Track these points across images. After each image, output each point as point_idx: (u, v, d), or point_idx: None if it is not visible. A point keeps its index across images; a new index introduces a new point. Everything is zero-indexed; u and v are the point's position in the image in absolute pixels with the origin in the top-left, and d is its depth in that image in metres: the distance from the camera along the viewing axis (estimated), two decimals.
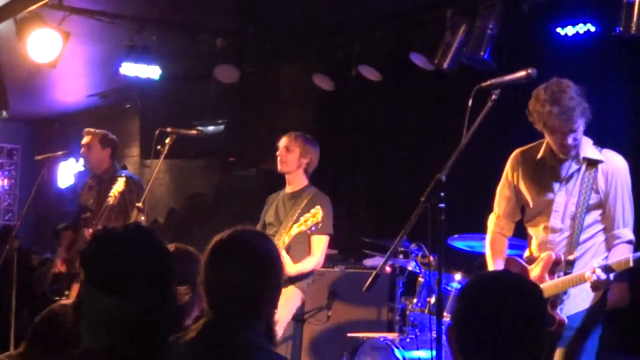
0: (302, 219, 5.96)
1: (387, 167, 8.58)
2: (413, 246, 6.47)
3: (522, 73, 4.13)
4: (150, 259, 2.34)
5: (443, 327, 3.68)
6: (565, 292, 4.61)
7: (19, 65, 8.52)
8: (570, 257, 4.62)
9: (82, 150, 7.61)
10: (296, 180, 6.42)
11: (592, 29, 6.60)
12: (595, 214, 4.67)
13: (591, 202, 4.62)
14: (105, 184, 7.31)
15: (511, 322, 2.35)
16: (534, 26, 7.03)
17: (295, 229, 5.96)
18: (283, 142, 6.41)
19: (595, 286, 4.43)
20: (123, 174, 7.30)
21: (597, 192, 4.62)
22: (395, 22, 8.03)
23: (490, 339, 2.33)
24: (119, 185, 6.80)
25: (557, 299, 4.61)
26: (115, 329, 2.28)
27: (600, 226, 4.68)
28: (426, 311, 6.26)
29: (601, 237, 4.68)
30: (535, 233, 4.84)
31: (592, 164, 4.63)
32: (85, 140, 7.57)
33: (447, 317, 5.67)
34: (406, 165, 8.13)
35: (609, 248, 4.63)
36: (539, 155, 4.74)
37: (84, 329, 2.35)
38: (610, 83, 6.85)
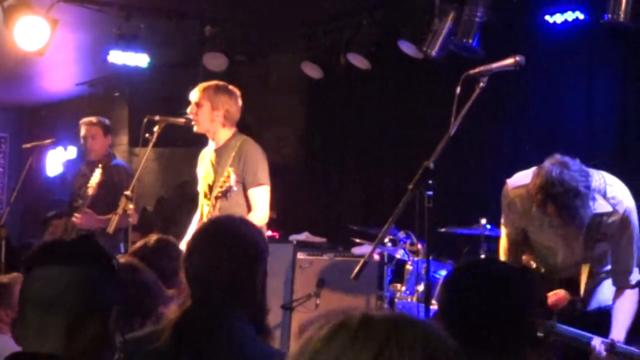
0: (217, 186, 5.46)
1: (376, 155, 8.58)
2: (401, 234, 6.48)
3: (510, 61, 4.10)
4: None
5: (431, 314, 3.69)
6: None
7: (6, 53, 8.50)
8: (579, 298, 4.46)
9: (85, 141, 7.43)
10: (217, 136, 5.82)
11: (581, 16, 6.61)
12: (604, 259, 4.50)
13: (598, 250, 4.43)
14: (104, 173, 7.30)
15: (497, 310, 2.35)
16: (523, 14, 7.03)
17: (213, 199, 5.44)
18: (192, 96, 5.81)
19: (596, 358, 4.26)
20: (115, 163, 7.41)
21: (604, 239, 4.39)
22: (383, 10, 8.03)
23: (477, 327, 2.33)
24: (96, 177, 6.85)
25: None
26: (65, 308, 2.23)
27: (607, 267, 4.52)
28: (414, 299, 6.28)
29: (608, 278, 4.53)
30: (540, 258, 4.67)
31: (599, 216, 4.32)
32: (89, 130, 7.43)
33: (435, 305, 5.68)
34: (395, 153, 8.14)
35: (615, 287, 4.47)
36: (535, 209, 4.35)
37: (29, 329, 2.26)
38: (598, 70, 6.87)
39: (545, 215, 4.23)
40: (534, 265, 4.72)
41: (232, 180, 5.27)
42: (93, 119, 7.56)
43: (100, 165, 7.02)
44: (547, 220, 4.34)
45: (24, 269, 2.31)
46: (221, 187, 5.33)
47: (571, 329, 4.32)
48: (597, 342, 4.23)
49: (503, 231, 4.76)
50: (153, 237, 4.05)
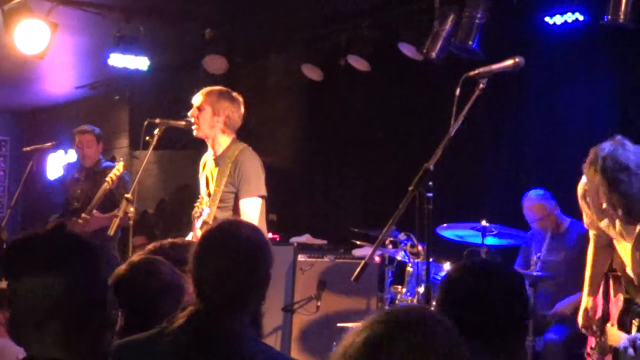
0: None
1: (376, 157, 8.58)
2: (402, 236, 6.47)
3: (509, 62, 4.10)
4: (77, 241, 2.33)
5: None
6: None
7: (6, 56, 8.50)
8: None
9: (81, 149, 7.69)
10: (216, 142, 5.80)
11: (581, 17, 6.60)
12: None
13: None
14: (96, 175, 7.53)
15: (493, 311, 2.35)
16: (523, 15, 7.03)
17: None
18: (195, 100, 5.80)
19: None
20: (105, 165, 7.63)
21: None
22: (383, 12, 8.03)
23: (473, 328, 2.33)
24: (118, 168, 6.98)
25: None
26: (54, 314, 2.21)
27: None
28: (415, 301, 6.27)
29: None
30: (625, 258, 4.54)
31: None
32: (84, 138, 7.67)
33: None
34: (395, 155, 8.14)
35: None
36: (604, 205, 4.24)
37: (25, 336, 2.25)
38: (598, 72, 6.87)
39: (596, 189, 4.11)
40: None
41: (203, 207, 5.57)
42: (86, 127, 7.80)
43: (121, 159, 7.24)
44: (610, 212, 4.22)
45: (8, 275, 2.26)
46: (196, 212, 5.57)
47: None
48: None
49: (590, 234, 4.69)
50: (167, 241, 4.00)
